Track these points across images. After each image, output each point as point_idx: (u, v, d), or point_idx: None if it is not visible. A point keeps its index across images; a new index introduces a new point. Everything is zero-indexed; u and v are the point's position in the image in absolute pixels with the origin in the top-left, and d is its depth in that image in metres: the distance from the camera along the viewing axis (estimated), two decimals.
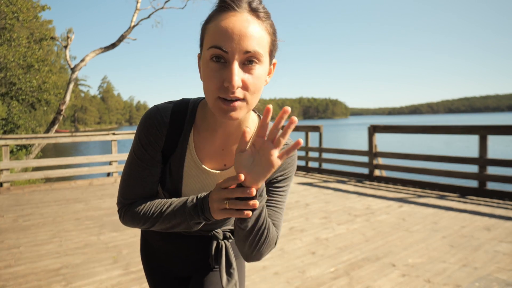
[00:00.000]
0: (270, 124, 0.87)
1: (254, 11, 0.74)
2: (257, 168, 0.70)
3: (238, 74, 0.71)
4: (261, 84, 0.77)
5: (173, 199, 0.88)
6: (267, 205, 0.87)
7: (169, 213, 0.84)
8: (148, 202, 0.88)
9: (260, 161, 0.69)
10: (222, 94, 0.72)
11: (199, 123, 0.88)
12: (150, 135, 0.85)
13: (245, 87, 0.73)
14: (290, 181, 0.91)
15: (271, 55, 0.81)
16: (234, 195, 0.71)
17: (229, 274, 0.98)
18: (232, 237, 1.03)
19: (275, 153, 0.69)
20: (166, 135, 0.86)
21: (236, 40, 0.70)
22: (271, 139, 0.69)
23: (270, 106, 0.66)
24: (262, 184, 0.73)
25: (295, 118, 0.64)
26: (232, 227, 1.04)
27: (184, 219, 0.82)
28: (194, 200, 0.82)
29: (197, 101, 0.91)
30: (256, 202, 0.70)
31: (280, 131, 0.69)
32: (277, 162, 0.69)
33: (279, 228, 0.90)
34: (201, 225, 0.84)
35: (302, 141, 0.66)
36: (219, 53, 0.72)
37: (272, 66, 0.84)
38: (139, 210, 0.88)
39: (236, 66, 0.71)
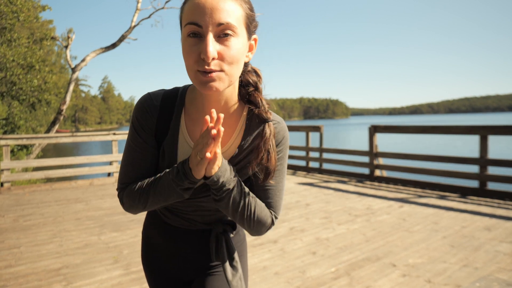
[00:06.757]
0: (275, 116, 0.92)
1: None
2: None
3: (212, 46, 0.73)
4: (239, 56, 0.78)
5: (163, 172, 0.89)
6: (259, 185, 0.91)
7: (159, 185, 0.86)
8: (141, 181, 0.90)
9: None
10: (199, 67, 0.75)
11: (189, 106, 0.90)
12: (142, 119, 0.88)
13: (221, 58, 0.75)
14: (281, 161, 0.93)
15: (249, 29, 0.81)
16: (203, 140, 0.75)
17: (233, 268, 0.97)
18: (232, 231, 1.03)
19: None
20: (157, 118, 0.89)
21: (208, 14, 0.73)
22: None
23: (213, 112, 0.74)
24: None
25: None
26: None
27: (171, 187, 0.83)
28: (177, 167, 0.84)
29: (186, 86, 0.94)
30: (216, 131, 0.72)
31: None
32: None
33: (274, 207, 0.93)
34: (190, 190, 0.84)
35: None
36: (194, 29, 0.75)
37: (253, 42, 0.86)
38: (133, 188, 0.90)
39: (210, 37, 0.73)
